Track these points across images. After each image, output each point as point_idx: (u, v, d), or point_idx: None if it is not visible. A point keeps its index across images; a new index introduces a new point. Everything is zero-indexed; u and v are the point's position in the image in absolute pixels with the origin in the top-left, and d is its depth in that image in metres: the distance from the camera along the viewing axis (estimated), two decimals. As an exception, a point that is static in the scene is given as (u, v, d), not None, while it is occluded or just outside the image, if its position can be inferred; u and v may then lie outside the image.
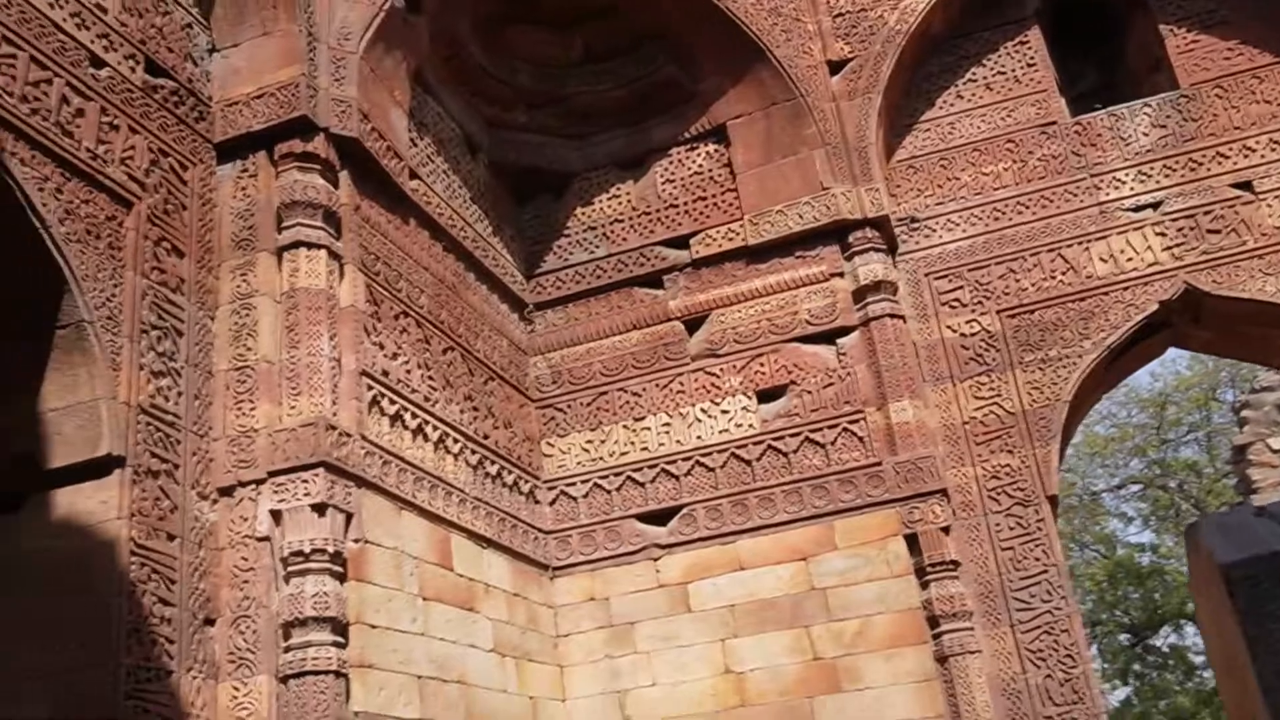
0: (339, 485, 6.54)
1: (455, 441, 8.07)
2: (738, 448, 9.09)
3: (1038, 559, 8.44)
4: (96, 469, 5.84)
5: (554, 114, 10.13)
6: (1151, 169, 9.23)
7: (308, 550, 6.26)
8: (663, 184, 9.98)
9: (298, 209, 7.05)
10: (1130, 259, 9.03)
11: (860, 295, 9.07)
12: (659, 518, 9.14)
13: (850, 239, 9.19)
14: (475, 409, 8.53)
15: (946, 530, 8.45)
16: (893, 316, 9.02)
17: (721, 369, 9.35)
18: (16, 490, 5.89)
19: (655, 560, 9.05)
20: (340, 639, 6.25)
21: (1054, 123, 9.59)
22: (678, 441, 9.27)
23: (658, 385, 9.48)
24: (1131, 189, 9.21)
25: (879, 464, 8.66)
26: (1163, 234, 9.02)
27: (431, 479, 7.58)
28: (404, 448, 7.40)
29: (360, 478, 6.75)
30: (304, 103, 7.16)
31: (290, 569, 6.27)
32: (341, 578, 6.40)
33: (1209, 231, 8.93)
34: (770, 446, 9.02)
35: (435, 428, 7.84)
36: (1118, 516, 28.63)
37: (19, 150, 5.65)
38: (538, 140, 10.14)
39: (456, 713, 7.25)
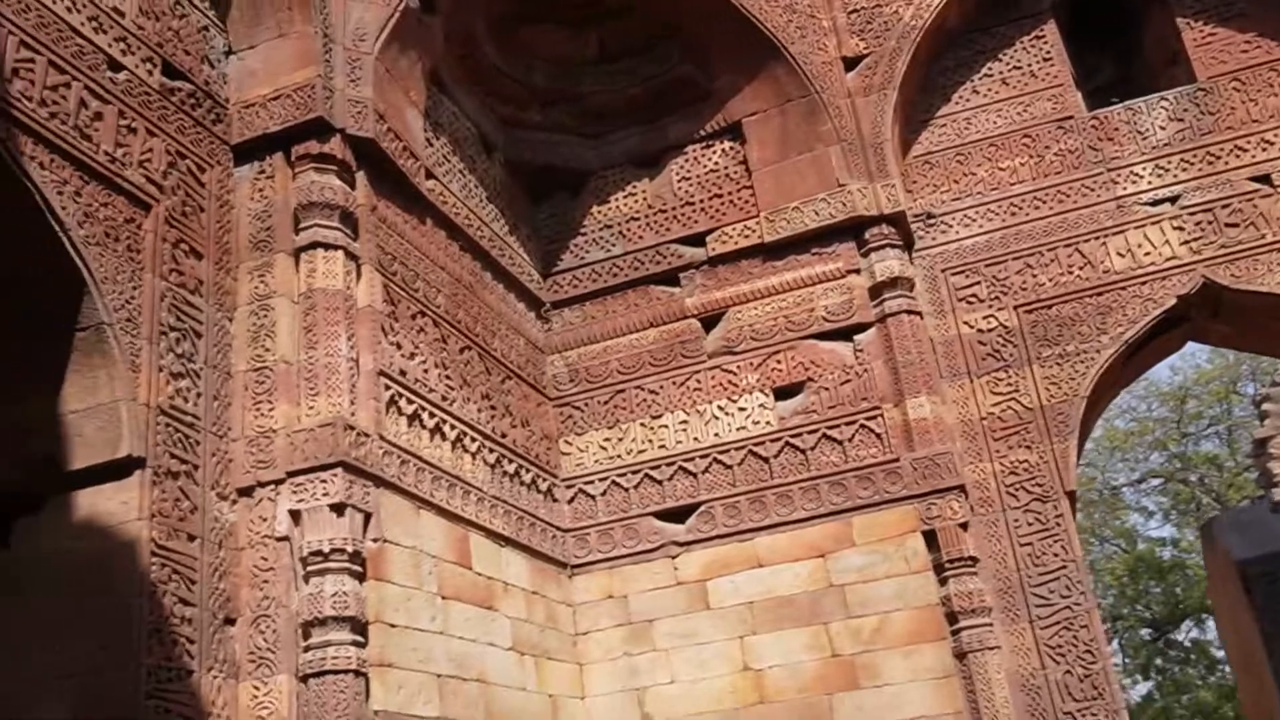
0: (357, 485, 6.56)
1: (473, 440, 8.09)
2: (755, 445, 9.09)
3: (1056, 554, 8.42)
4: (117, 470, 5.87)
5: (569, 112, 10.14)
6: (1169, 163, 9.19)
7: (327, 550, 6.29)
8: (679, 182, 9.99)
9: (315, 210, 7.08)
10: (1148, 253, 8.99)
11: (877, 292, 9.06)
12: (677, 515, 9.15)
13: (866, 235, 9.18)
14: (493, 408, 8.55)
15: (965, 526, 8.43)
16: (909, 313, 9.00)
17: (738, 366, 9.35)
18: (37, 492, 5.93)
19: (673, 558, 9.05)
20: (360, 638, 6.27)
21: (1070, 117, 9.57)
22: (695, 439, 9.27)
23: (675, 383, 9.48)
24: (1149, 183, 9.17)
25: (897, 460, 8.65)
26: (1180, 228, 8.98)
27: (450, 478, 7.60)
28: (422, 447, 7.42)
29: (378, 477, 6.77)
30: (320, 104, 7.19)
31: (309, 569, 6.29)
32: (360, 577, 6.42)
33: (1227, 225, 8.88)
34: (788, 443, 9.02)
35: (453, 427, 7.86)
36: (1138, 511, 28.58)
37: (38, 154, 5.68)
38: (553, 139, 10.16)
39: (476, 711, 7.27)
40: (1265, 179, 8.92)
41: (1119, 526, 28.42)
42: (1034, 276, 9.16)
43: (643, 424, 9.47)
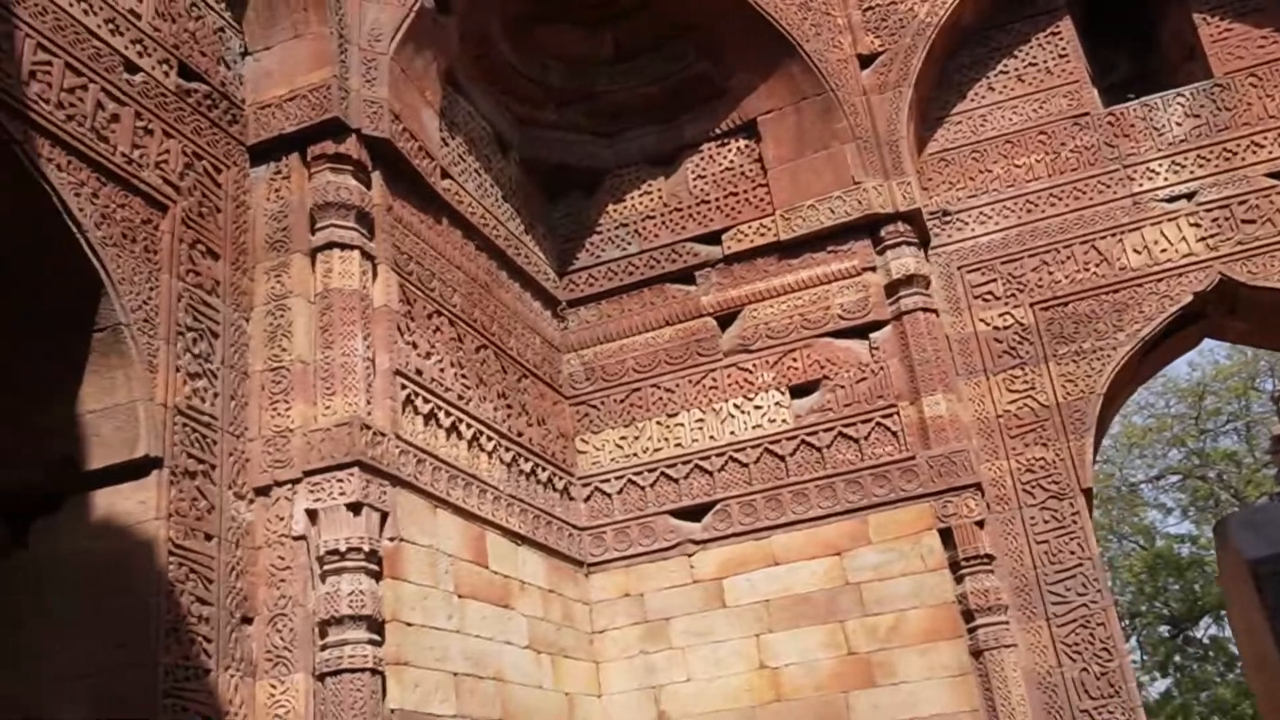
0: (374, 484, 6.58)
1: (489, 439, 8.11)
2: (771, 443, 9.09)
3: (1073, 552, 8.40)
4: (134, 470, 5.90)
5: (585, 111, 10.16)
6: (1185, 159, 9.16)
7: (343, 549, 6.31)
8: (694, 180, 9.99)
9: (331, 210, 7.10)
10: (1164, 250, 8.96)
11: (893, 289, 9.05)
12: (693, 513, 9.15)
13: (882, 233, 9.18)
14: (509, 406, 8.57)
15: (981, 524, 8.42)
16: (925, 310, 8.99)
17: (754, 364, 9.35)
18: (56, 491, 5.96)
19: (690, 556, 9.06)
20: (376, 637, 6.29)
21: (1086, 114, 9.54)
22: (711, 437, 9.28)
23: (691, 381, 9.49)
24: (1165, 179, 9.14)
25: (913, 458, 8.64)
26: (1197, 224, 8.95)
27: (466, 477, 7.62)
28: (438, 446, 7.44)
29: (395, 476, 6.79)
30: (336, 104, 7.21)
31: (326, 567, 6.31)
32: (377, 576, 6.44)
33: (1244, 221, 8.85)
34: (804, 441, 9.01)
35: (469, 426, 7.88)
36: (1156, 507, 28.51)
37: (55, 156, 5.71)
38: (569, 138, 10.17)
39: (493, 709, 7.29)
40: (1282, 175, 8.90)
41: (1137, 523, 28.36)
42: (1050, 274, 9.14)
43: (659, 422, 9.47)
